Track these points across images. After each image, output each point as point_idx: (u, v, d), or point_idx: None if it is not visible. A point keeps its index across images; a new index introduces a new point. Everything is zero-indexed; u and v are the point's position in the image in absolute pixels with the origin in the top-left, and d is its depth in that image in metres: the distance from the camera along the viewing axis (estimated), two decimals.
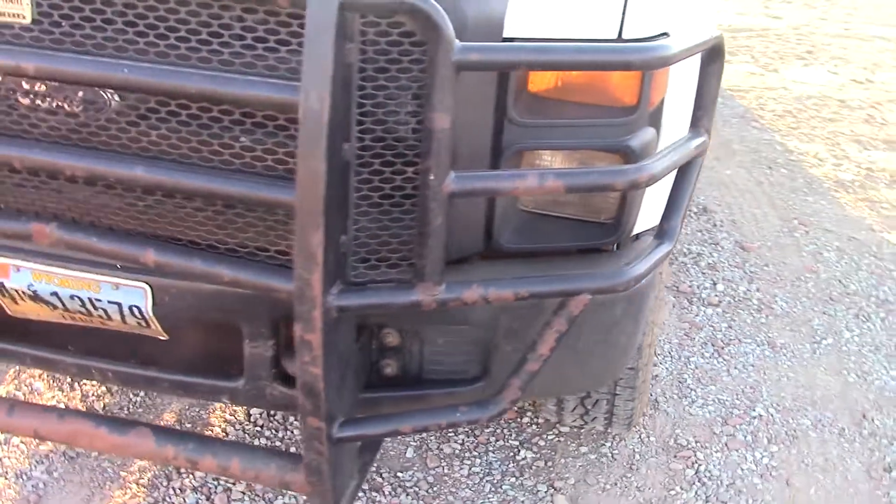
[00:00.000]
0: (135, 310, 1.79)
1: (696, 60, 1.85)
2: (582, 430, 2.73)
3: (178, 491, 2.42)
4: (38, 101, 1.62)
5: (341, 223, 1.51)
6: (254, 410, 2.73)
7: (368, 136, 1.50)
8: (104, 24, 1.50)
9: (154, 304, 1.77)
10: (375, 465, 2.55)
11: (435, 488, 2.49)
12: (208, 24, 1.46)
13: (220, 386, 1.86)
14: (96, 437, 1.81)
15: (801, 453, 2.73)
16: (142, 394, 2.79)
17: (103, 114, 1.58)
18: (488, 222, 1.78)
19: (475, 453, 2.64)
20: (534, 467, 2.59)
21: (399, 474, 2.53)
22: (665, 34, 1.75)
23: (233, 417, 2.71)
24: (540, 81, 1.69)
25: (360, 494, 2.43)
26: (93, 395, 2.77)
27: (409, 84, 1.49)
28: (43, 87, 1.63)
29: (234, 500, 2.40)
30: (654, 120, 1.78)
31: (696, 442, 2.74)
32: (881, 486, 2.61)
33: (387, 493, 2.46)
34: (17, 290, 1.83)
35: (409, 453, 2.62)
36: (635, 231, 1.91)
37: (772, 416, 2.89)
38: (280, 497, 2.41)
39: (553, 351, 1.72)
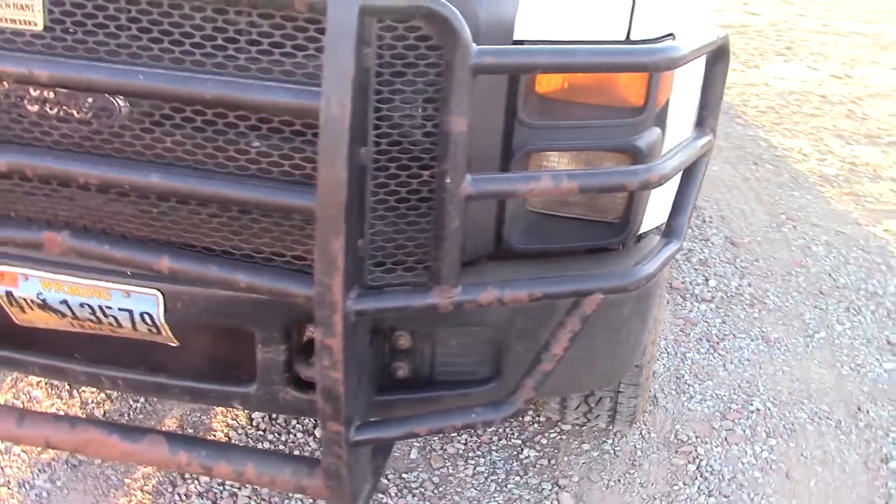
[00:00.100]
0: (146, 317, 1.78)
1: (699, 60, 1.87)
2: (583, 428, 2.75)
3: (183, 497, 2.41)
4: (48, 109, 1.61)
5: (359, 227, 1.52)
6: (256, 414, 2.73)
7: (385, 140, 1.50)
8: (118, 30, 1.49)
9: (166, 310, 1.76)
10: None
11: (440, 489, 2.50)
12: (224, 29, 1.46)
13: (232, 391, 1.86)
14: (108, 445, 1.80)
15: (799, 446, 2.76)
16: (142, 400, 2.77)
17: (115, 121, 1.57)
18: (498, 224, 1.79)
19: (479, 453, 2.65)
20: (537, 466, 2.61)
21: (404, 475, 2.54)
22: (671, 35, 1.77)
23: (235, 422, 2.70)
24: (547, 83, 1.70)
25: None
26: (92, 402, 2.75)
27: (425, 88, 1.49)
28: (51, 95, 1.63)
29: None
30: (660, 120, 1.79)
31: (697, 437, 2.76)
32: (879, 477, 2.64)
33: (393, 494, 2.47)
34: (25, 299, 1.82)
35: (414, 454, 2.62)
36: (641, 230, 1.93)
37: (769, 409, 2.92)
38: (287, 501, 2.40)
39: (567, 351, 1.73)
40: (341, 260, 1.41)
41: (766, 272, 3.83)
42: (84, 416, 2.69)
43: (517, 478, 2.56)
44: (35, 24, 1.52)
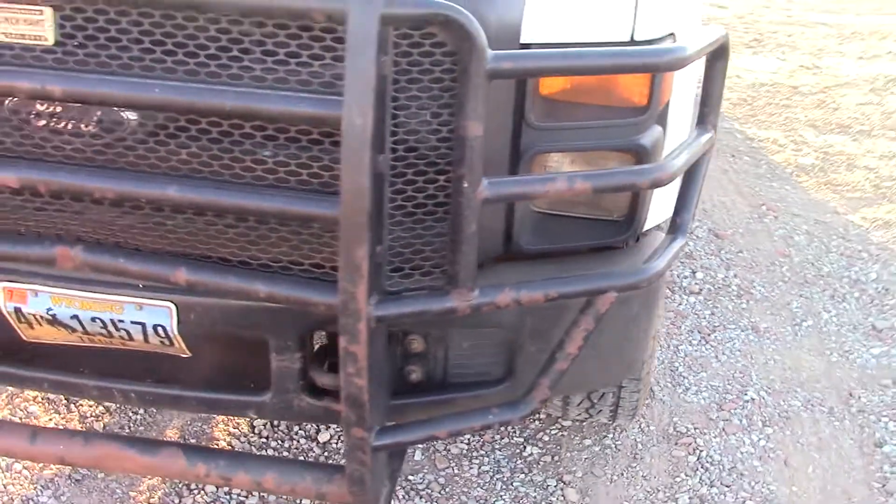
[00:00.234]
0: (159, 329, 1.78)
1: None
2: (584, 424, 2.78)
3: None
4: (57, 124, 1.60)
5: (377, 234, 1.52)
6: (258, 422, 2.72)
7: (402, 146, 1.52)
8: (130, 43, 1.49)
9: (179, 322, 1.76)
10: None
11: (447, 489, 2.51)
12: (239, 40, 1.46)
13: (247, 401, 1.86)
14: (125, 459, 1.79)
15: (795, 434, 2.81)
16: (141, 412, 2.76)
17: (129, 134, 1.57)
18: (507, 225, 1.81)
19: (482, 452, 2.67)
20: (541, 463, 2.63)
21: (410, 477, 2.55)
22: (672, 34, 1.80)
23: (237, 430, 2.70)
24: (552, 84, 1.72)
25: None
26: (91, 415, 2.73)
27: (441, 93, 1.51)
28: (58, 109, 1.62)
29: None
30: (662, 119, 1.82)
31: (695, 428, 2.80)
32: (874, 462, 2.70)
33: (400, 497, 2.48)
34: (34, 315, 1.81)
35: (418, 455, 2.64)
36: (644, 228, 1.96)
37: (763, 399, 2.97)
38: None
39: (581, 349, 1.75)
40: (365, 267, 1.42)
41: (751, 263, 3.89)
42: (84, 429, 2.67)
43: (522, 475, 2.58)
44: (46, 40, 1.51)
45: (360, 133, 1.35)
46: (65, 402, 2.78)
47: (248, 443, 2.65)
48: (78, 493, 2.44)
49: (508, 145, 1.71)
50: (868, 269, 3.87)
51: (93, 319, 1.79)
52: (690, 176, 1.90)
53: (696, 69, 1.98)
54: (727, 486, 2.57)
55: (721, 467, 2.64)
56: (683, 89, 1.94)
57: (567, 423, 2.78)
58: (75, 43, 1.50)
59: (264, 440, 2.67)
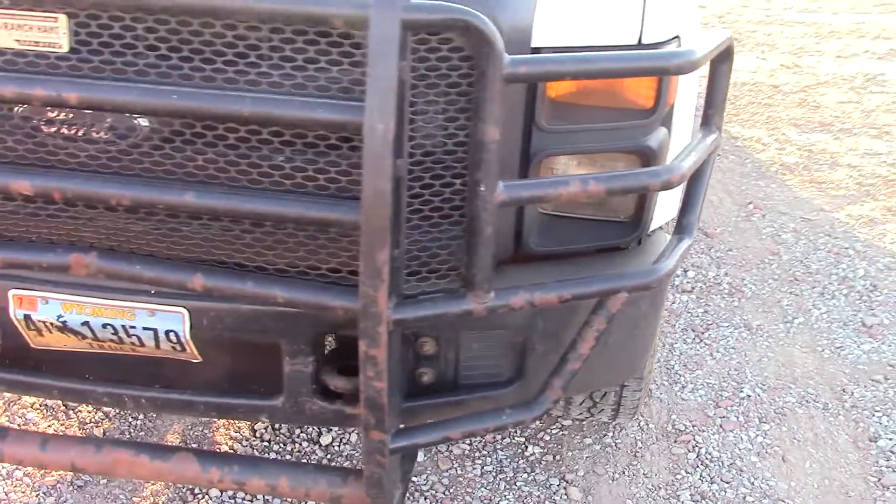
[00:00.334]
0: (171, 335, 1.77)
1: None
2: (584, 423, 2.80)
3: None
4: (69, 131, 1.60)
5: (395, 238, 1.53)
6: (259, 425, 2.72)
7: (419, 151, 1.53)
8: (147, 50, 1.49)
9: (192, 327, 1.76)
10: None
11: (451, 490, 2.53)
12: (256, 47, 1.47)
13: (259, 405, 1.86)
14: (138, 465, 1.79)
15: (791, 430, 2.85)
16: (141, 417, 2.75)
17: (143, 140, 1.57)
18: (517, 227, 1.82)
19: (484, 452, 2.68)
20: (543, 462, 2.65)
21: (414, 478, 2.56)
22: (677, 38, 1.82)
23: (238, 434, 2.69)
24: (559, 87, 1.74)
25: None
26: (90, 421, 2.72)
27: (457, 98, 1.52)
28: (69, 116, 1.61)
29: None
30: (667, 121, 1.84)
31: (693, 426, 2.83)
32: (870, 456, 2.74)
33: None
34: (44, 322, 1.80)
35: (420, 457, 2.64)
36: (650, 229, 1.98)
37: (759, 395, 3.00)
38: None
39: (593, 349, 1.77)
40: (386, 271, 1.43)
41: (741, 261, 3.93)
42: (84, 434, 2.65)
43: (525, 475, 2.59)
44: (60, 47, 1.51)
45: (382, 138, 1.36)
46: (63, 408, 2.77)
47: (251, 447, 2.65)
48: (81, 500, 2.43)
49: (518, 148, 1.73)
50: (855, 265, 3.92)
51: (104, 326, 1.78)
52: (696, 177, 1.92)
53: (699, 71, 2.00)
54: (727, 483, 2.60)
55: (720, 464, 2.67)
56: (686, 91, 1.97)
57: (567, 423, 2.80)
58: (90, 50, 1.50)
59: (266, 444, 2.66)
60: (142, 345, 1.81)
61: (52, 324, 1.80)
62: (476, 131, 1.49)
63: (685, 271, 3.79)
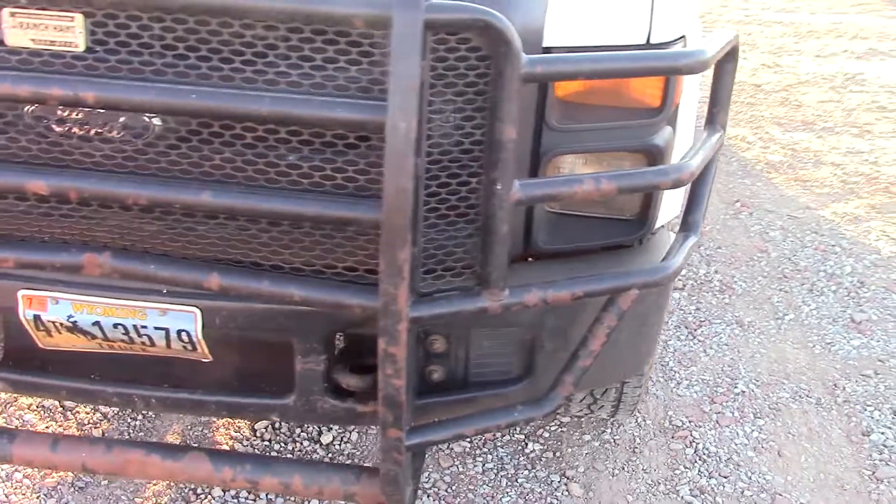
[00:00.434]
0: (183, 334, 1.77)
1: None
2: (582, 419, 2.82)
3: None
4: (83, 130, 1.59)
5: (413, 236, 1.54)
6: (259, 424, 2.72)
7: (437, 150, 1.54)
8: (164, 49, 1.49)
9: (204, 326, 1.76)
10: None
11: (453, 487, 2.54)
12: (275, 46, 1.47)
13: (271, 404, 1.86)
14: (149, 465, 1.79)
15: (786, 425, 2.88)
16: (140, 418, 2.74)
17: (158, 140, 1.57)
18: (527, 226, 1.84)
19: (485, 450, 2.69)
20: (543, 459, 2.67)
21: None
22: (683, 37, 1.84)
23: (238, 434, 2.69)
24: (567, 86, 1.75)
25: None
26: (88, 422, 2.70)
27: (475, 97, 1.53)
28: (82, 115, 1.61)
29: None
30: (672, 119, 1.87)
31: (690, 422, 2.86)
32: (863, 450, 2.78)
33: None
34: (54, 322, 1.79)
35: None
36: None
37: (753, 391, 3.04)
38: None
39: (604, 346, 1.79)
40: (407, 269, 1.44)
41: (731, 259, 3.97)
42: (82, 435, 2.64)
43: (526, 472, 2.61)
44: (76, 46, 1.50)
45: (404, 137, 1.37)
46: (61, 409, 2.75)
47: (251, 446, 2.65)
48: (82, 501, 2.42)
49: (529, 147, 1.74)
50: (842, 262, 3.97)
51: (115, 326, 1.78)
52: (701, 175, 1.95)
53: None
54: (725, 477, 2.63)
55: (718, 459, 2.70)
56: (690, 90, 1.99)
57: (566, 420, 2.82)
58: (106, 49, 1.49)
59: (267, 443, 2.66)
60: (152, 344, 1.81)
61: (61, 324, 1.79)
62: (493, 130, 1.51)
63: None
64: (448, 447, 2.69)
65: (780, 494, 2.58)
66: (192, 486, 2.46)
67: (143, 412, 2.72)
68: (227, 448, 2.63)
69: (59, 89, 1.46)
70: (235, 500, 2.43)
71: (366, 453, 2.66)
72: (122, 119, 1.59)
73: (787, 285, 3.77)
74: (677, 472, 2.64)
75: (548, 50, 1.68)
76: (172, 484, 2.47)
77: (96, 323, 1.78)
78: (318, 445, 2.67)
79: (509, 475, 2.60)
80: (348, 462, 2.60)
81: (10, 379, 1.90)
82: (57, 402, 2.77)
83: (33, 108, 1.61)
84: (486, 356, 1.91)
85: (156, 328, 1.77)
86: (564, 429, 2.80)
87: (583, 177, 1.64)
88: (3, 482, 2.46)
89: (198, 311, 1.75)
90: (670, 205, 2.02)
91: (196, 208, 1.54)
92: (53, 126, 1.60)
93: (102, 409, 2.76)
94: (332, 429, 2.73)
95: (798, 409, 2.97)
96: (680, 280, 3.74)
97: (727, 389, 3.04)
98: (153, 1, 1.42)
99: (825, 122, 5.94)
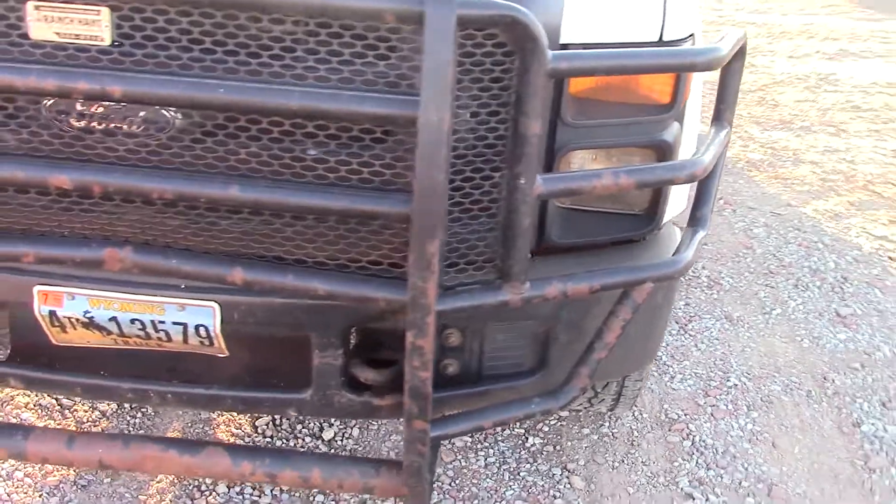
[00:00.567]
0: (201, 329, 1.77)
1: None
2: (580, 413, 2.85)
3: None
4: (104, 125, 1.59)
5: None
6: (260, 421, 2.72)
7: (462, 144, 1.56)
8: (191, 44, 1.49)
9: (223, 321, 1.76)
10: None
11: (457, 481, 2.56)
12: (304, 41, 1.48)
13: (287, 399, 1.87)
14: (166, 460, 1.79)
15: (778, 417, 2.93)
16: (139, 416, 2.72)
17: (182, 133, 1.57)
18: (541, 220, 1.86)
19: (486, 444, 2.72)
20: (544, 452, 2.69)
21: None
22: (692, 35, 1.88)
23: (240, 430, 2.69)
24: (581, 83, 1.78)
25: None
26: (88, 420, 2.69)
27: (500, 92, 1.55)
28: (100, 110, 1.60)
29: None
30: (680, 116, 1.90)
31: (686, 415, 2.91)
32: (854, 440, 2.84)
33: None
34: (70, 318, 1.78)
35: None
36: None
37: (745, 384, 3.09)
38: None
39: (618, 338, 1.82)
40: (436, 263, 1.45)
41: (717, 255, 4.03)
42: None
43: (528, 465, 2.64)
44: (102, 40, 1.50)
45: (437, 130, 1.39)
46: (58, 407, 2.73)
47: (253, 443, 2.65)
48: (86, 499, 2.41)
49: (544, 143, 1.77)
50: (825, 258, 4.04)
51: (132, 321, 1.78)
52: (709, 171, 1.98)
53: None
54: (723, 469, 2.67)
55: (715, 451, 2.75)
56: (695, 88, 2.03)
57: (564, 414, 2.85)
58: (133, 43, 1.49)
59: (269, 440, 2.66)
60: (169, 340, 1.80)
61: (77, 320, 1.78)
62: (518, 125, 1.53)
63: None
64: (450, 442, 2.70)
65: (777, 485, 2.62)
66: (197, 483, 2.46)
67: (143, 409, 2.71)
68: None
69: (86, 83, 1.45)
70: (240, 497, 2.43)
71: (367, 449, 2.67)
72: (142, 114, 1.59)
73: (772, 281, 3.83)
74: (676, 464, 2.68)
75: (564, 46, 1.70)
76: (176, 481, 2.47)
77: (113, 318, 1.78)
78: (319, 441, 2.67)
79: (511, 469, 2.62)
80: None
81: (23, 375, 1.89)
82: (54, 401, 2.75)
83: (52, 102, 1.60)
84: (501, 349, 1.93)
85: (174, 323, 1.77)
86: (563, 423, 2.83)
87: (602, 171, 1.66)
88: (4, 481, 2.44)
89: (216, 306, 1.75)
90: (676, 200, 2.06)
91: (223, 202, 1.54)
92: (72, 121, 1.59)
93: (101, 406, 2.74)
94: (333, 425, 2.73)
95: (790, 401, 3.02)
96: None
97: (720, 383, 3.09)
98: None
99: (802, 121, 6.04)
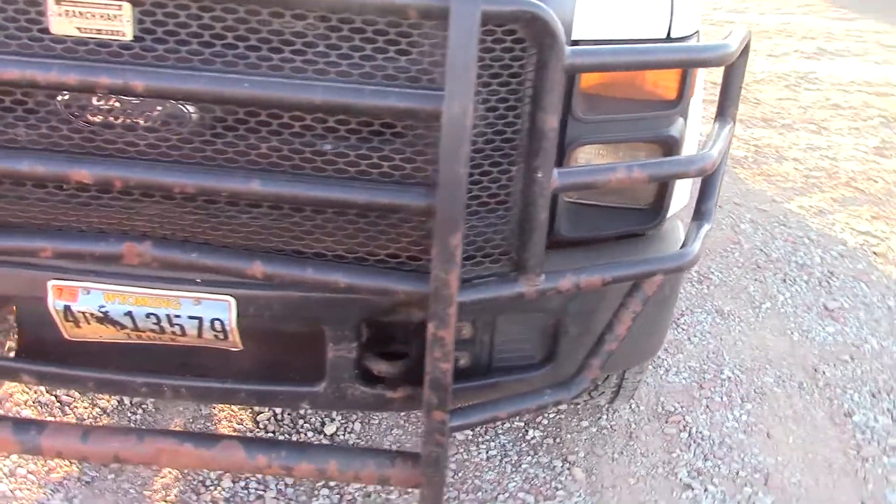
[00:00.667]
0: (216, 323, 1.78)
1: None
2: (579, 406, 2.89)
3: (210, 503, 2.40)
4: (123, 119, 1.60)
5: None
6: (261, 416, 2.73)
7: (481, 138, 1.58)
8: (213, 39, 1.50)
9: (238, 315, 1.77)
10: None
11: (460, 474, 2.58)
12: (326, 36, 1.50)
13: (300, 392, 1.89)
14: (182, 454, 1.80)
15: (772, 408, 2.99)
16: (140, 412, 2.72)
17: (206, 127, 1.58)
18: (551, 215, 1.88)
19: (486, 437, 2.74)
20: (544, 445, 2.73)
21: None
22: (697, 32, 1.91)
23: (241, 426, 2.69)
24: (590, 78, 1.81)
25: (390, 489, 2.49)
26: (88, 417, 2.68)
27: (517, 87, 1.57)
28: (117, 104, 1.61)
29: None
30: (685, 111, 1.94)
31: (682, 407, 2.95)
32: (846, 430, 2.90)
33: None
34: (84, 313, 1.79)
35: None
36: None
37: (738, 377, 3.14)
38: (315, 499, 2.43)
39: (629, 330, 1.85)
40: (459, 255, 1.48)
41: (705, 250, 4.07)
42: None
43: (529, 458, 2.67)
44: (123, 35, 1.51)
45: (460, 124, 1.41)
46: (58, 405, 2.72)
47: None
48: (90, 496, 2.40)
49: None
50: (812, 253, 4.11)
51: (147, 315, 1.78)
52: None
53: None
54: (720, 459, 2.72)
55: (711, 442, 2.79)
56: (698, 84, 2.06)
57: (563, 407, 2.88)
58: (155, 38, 1.50)
59: (271, 434, 2.67)
60: (183, 334, 1.81)
61: (92, 314, 1.79)
62: (536, 120, 1.55)
63: None
64: (451, 436, 2.72)
65: (773, 474, 2.67)
66: (201, 478, 2.47)
67: (143, 406, 2.70)
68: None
69: (108, 78, 1.47)
70: (245, 491, 2.44)
71: (369, 443, 2.69)
72: (159, 108, 1.60)
73: (761, 275, 3.89)
74: (674, 455, 2.72)
75: (576, 43, 1.73)
76: (181, 476, 2.47)
77: (128, 313, 1.78)
78: (321, 436, 2.69)
79: (513, 461, 2.65)
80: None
81: (35, 371, 1.89)
82: (53, 398, 2.74)
83: (67, 97, 1.61)
84: (511, 342, 1.96)
85: (189, 317, 1.78)
86: (562, 416, 2.86)
87: (616, 165, 1.69)
88: (8, 478, 2.43)
89: (232, 301, 1.76)
90: (680, 195, 2.09)
91: (244, 197, 1.55)
92: (89, 115, 1.60)
93: (101, 403, 2.74)
94: (334, 420, 2.75)
95: (782, 393, 3.08)
96: None
97: (714, 375, 3.14)
98: None
99: (783, 119, 6.12)
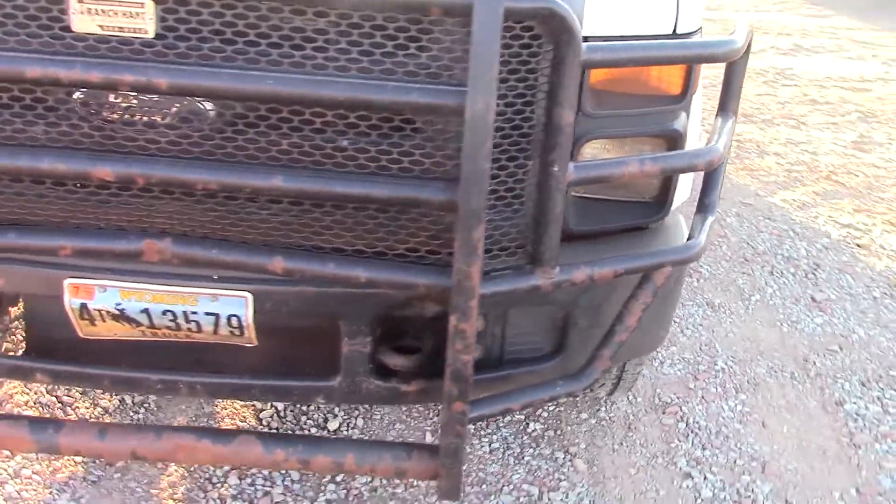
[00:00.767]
0: (233, 319, 1.79)
1: None
2: (577, 399, 2.92)
3: (217, 501, 2.40)
4: (144, 117, 1.61)
5: None
6: (264, 413, 2.74)
7: (498, 133, 1.60)
8: (235, 36, 1.51)
9: (255, 311, 1.78)
10: None
11: (464, 467, 2.61)
12: (347, 33, 1.51)
13: (315, 386, 1.90)
14: (199, 450, 1.81)
15: (766, 398, 3.04)
16: (142, 411, 2.72)
17: (230, 125, 1.59)
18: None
19: (488, 430, 2.77)
20: (545, 437, 2.76)
21: None
22: (700, 28, 1.95)
23: (245, 423, 2.70)
24: (598, 74, 1.84)
25: (396, 483, 2.51)
26: (90, 417, 2.68)
27: (534, 83, 1.60)
28: (136, 102, 1.62)
29: (276, 503, 2.42)
30: (687, 106, 1.98)
31: (678, 398, 3.00)
32: (838, 419, 2.96)
33: None
34: (100, 311, 1.79)
35: (428, 437, 2.72)
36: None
37: (731, 368, 3.20)
38: (321, 495, 2.44)
39: (639, 321, 1.88)
40: (481, 248, 1.50)
41: None
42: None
43: (531, 450, 2.70)
44: (146, 32, 1.52)
45: (483, 120, 1.44)
46: (59, 405, 2.72)
47: None
48: (97, 495, 2.40)
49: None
50: (797, 246, 4.18)
51: (164, 313, 1.79)
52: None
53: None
54: (717, 448, 2.77)
55: (708, 431, 2.84)
56: (700, 80, 2.10)
57: (562, 399, 2.92)
58: (177, 35, 1.51)
59: (274, 431, 2.68)
60: (199, 330, 1.82)
61: (108, 312, 1.79)
62: (552, 115, 1.58)
63: None
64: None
65: (769, 462, 2.72)
66: (208, 476, 2.47)
67: (145, 405, 2.71)
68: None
69: (131, 75, 1.48)
70: (252, 488, 2.45)
71: (372, 438, 2.71)
72: (176, 106, 1.61)
73: (749, 268, 3.95)
74: (672, 445, 2.77)
75: (586, 39, 1.76)
76: (187, 474, 2.48)
77: (145, 310, 1.79)
78: (325, 432, 2.70)
79: (516, 454, 2.68)
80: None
81: (49, 369, 1.89)
82: (55, 398, 2.74)
83: (83, 95, 1.62)
84: (521, 334, 1.99)
85: (206, 314, 1.79)
86: (562, 408, 2.89)
87: (629, 159, 1.73)
88: (13, 479, 2.42)
89: (249, 296, 1.77)
90: (683, 189, 2.13)
91: (267, 192, 1.57)
92: (106, 113, 1.61)
93: (102, 403, 2.74)
94: (337, 415, 2.76)
95: (775, 383, 3.13)
96: None
97: (708, 367, 3.19)
98: None
99: (763, 114, 6.21)
